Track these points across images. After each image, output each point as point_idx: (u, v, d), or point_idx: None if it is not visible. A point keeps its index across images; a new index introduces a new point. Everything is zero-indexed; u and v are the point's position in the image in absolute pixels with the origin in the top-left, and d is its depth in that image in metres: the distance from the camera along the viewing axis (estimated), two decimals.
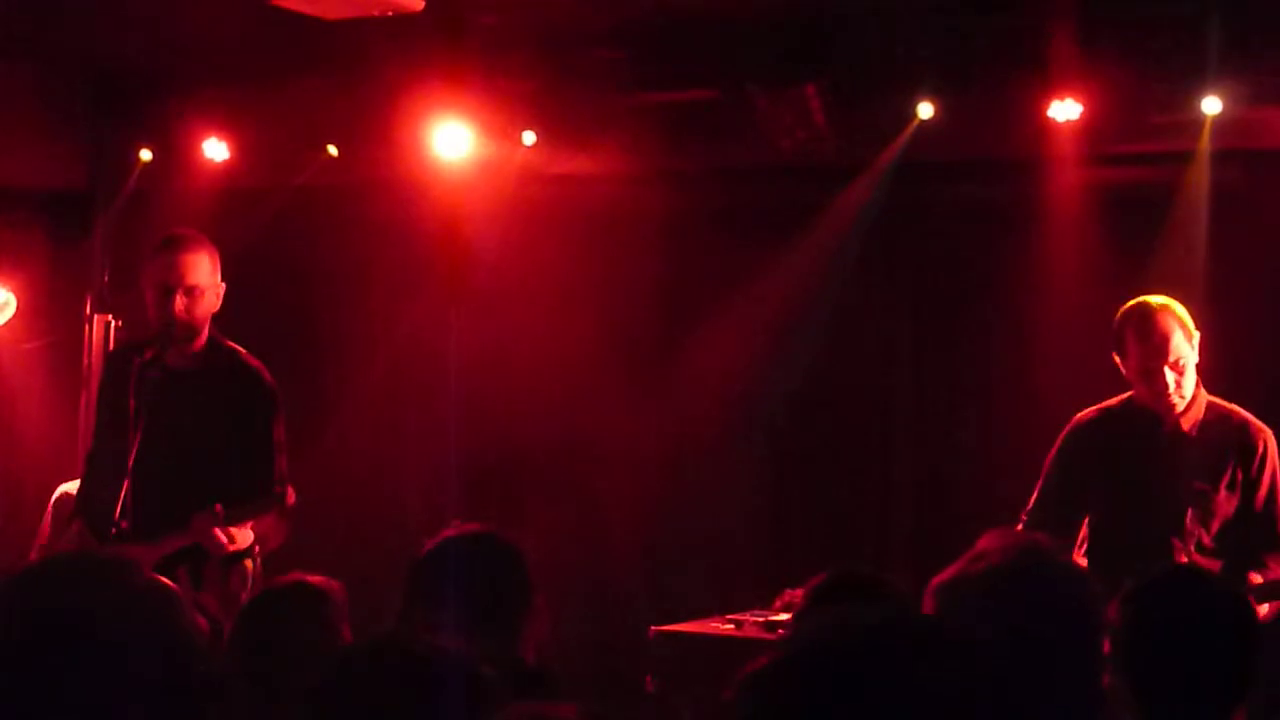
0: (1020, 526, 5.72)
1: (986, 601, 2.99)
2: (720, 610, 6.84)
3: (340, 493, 7.75)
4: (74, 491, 6.74)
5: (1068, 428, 5.89)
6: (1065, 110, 7.11)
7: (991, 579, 3.02)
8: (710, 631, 6.63)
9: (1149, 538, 5.59)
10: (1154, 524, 5.64)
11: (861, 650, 1.72)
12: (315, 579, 4.12)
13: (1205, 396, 5.71)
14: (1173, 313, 5.63)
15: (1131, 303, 5.73)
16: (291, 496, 5.78)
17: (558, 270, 8.04)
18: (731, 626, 6.60)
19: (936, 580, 3.07)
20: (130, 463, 5.53)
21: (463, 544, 3.88)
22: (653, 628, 6.63)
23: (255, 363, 5.89)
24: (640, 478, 7.98)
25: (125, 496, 5.49)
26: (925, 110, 7.34)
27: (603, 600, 7.82)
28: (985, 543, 3.08)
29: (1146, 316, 5.63)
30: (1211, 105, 6.89)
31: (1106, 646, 3.13)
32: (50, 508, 7.04)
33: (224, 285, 5.84)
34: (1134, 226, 7.27)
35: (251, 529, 5.71)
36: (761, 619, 6.52)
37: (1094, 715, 3.08)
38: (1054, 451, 5.88)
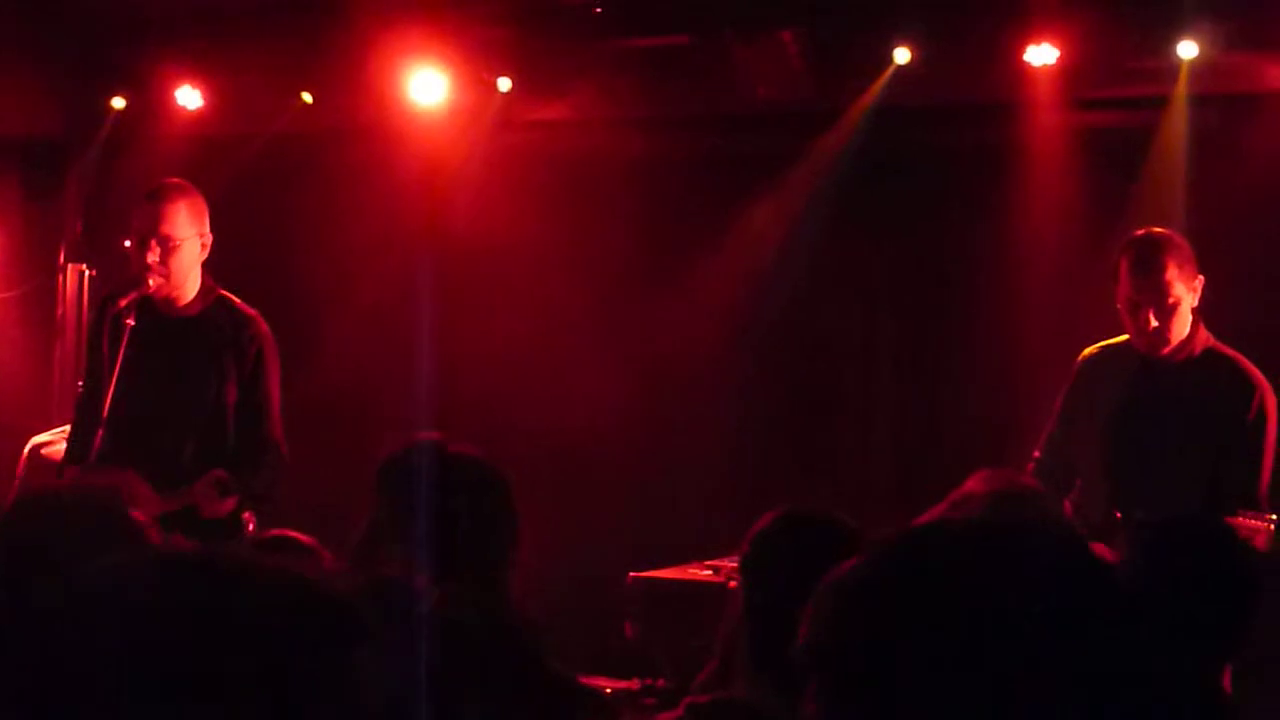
0: (1030, 467, 5.61)
1: (959, 555, 2.97)
2: (699, 556, 6.84)
3: (315, 438, 7.73)
4: (47, 442, 6.74)
5: (1074, 365, 5.71)
6: (1042, 55, 7.11)
7: (967, 531, 2.99)
8: (689, 577, 6.63)
9: (1125, 480, 5.41)
10: (1128, 465, 5.44)
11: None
12: (302, 537, 4.07)
13: (1207, 340, 5.47)
14: (1176, 250, 5.37)
15: (1138, 231, 5.51)
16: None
17: (534, 216, 8.01)
18: (710, 573, 6.60)
19: (914, 523, 3.06)
20: (105, 412, 5.51)
21: (437, 470, 3.66)
22: (631, 574, 6.64)
23: (251, 311, 5.84)
24: (619, 424, 7.97)
25: (102, 444, 5.48)
26: (902, 55, 7.33)
27: (582, 545, 7.81)
28: (971, 484, 3.04)
29: (1144, 249, 5.38)
30: (1188, 49, 6.90)
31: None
32: (24, 458, 7.02)
33: (210, 235, 5.78)
34: (1112, 170, 7.27)
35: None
36: None
37: None
38: (1062, 391, 5.71)
